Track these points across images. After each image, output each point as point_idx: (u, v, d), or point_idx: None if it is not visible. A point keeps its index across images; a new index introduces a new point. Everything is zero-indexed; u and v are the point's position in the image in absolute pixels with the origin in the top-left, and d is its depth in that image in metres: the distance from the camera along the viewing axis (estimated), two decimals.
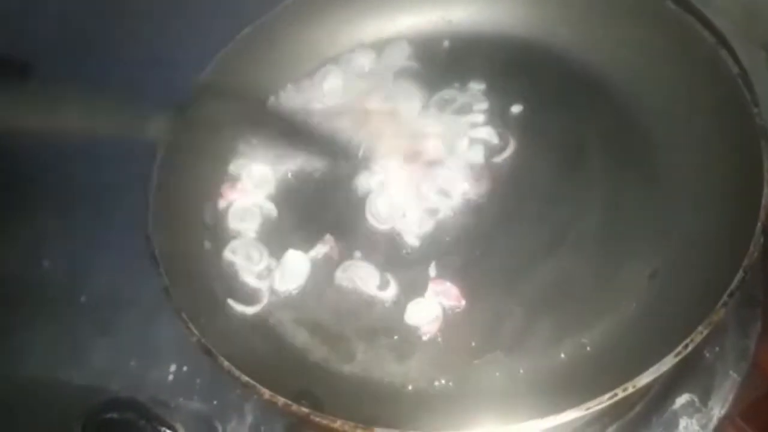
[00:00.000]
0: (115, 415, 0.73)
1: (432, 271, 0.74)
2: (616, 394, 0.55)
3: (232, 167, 0.84)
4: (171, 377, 0.77)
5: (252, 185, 0.83)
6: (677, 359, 0.56)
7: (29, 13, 1.07)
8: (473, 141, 0.82)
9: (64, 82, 1.00)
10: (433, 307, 0.71)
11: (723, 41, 0.72)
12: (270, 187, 0.83)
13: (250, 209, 0.81)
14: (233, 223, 0.80)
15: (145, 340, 0.80)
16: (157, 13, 1.02)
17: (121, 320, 0.82)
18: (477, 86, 0.86)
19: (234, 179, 0.83)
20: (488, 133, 0.82)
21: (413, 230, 0.77)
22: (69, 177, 0.94)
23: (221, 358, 0.61)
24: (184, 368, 0.77)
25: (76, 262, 0.87)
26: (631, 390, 0.55)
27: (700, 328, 0.57)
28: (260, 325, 0.73)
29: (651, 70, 0.79)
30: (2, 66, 0.94)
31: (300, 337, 0.72)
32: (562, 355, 0.67)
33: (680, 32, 0.75)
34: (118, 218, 0.86)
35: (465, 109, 0.85)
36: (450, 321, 0.71)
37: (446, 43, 0.91)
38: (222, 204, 0.82)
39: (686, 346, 0.56)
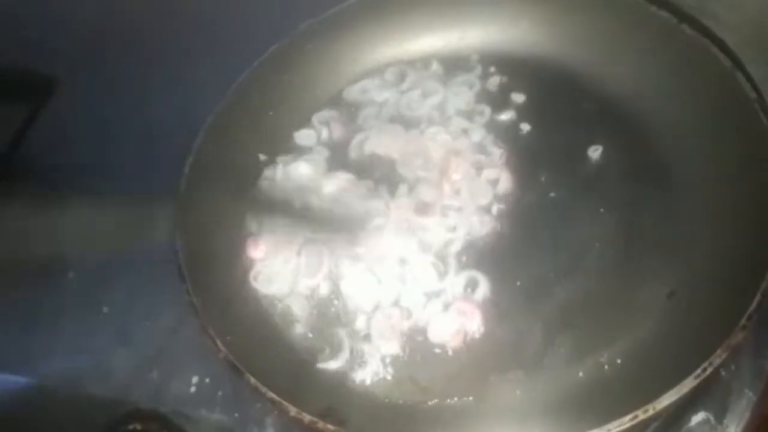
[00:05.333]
0: (137, 427, 0.74)
1: (456, 290, 0.75)
2: (636, 416, 0.57)
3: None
4: (193, 389, 0.77)
5: None
6: (697, 381, 0.57)
7: (55, 25, 1.08)
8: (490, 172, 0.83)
9: (90, 99, 1.02)
10: (454, 325, 0.72)
11: (739, 65, 0.73)
12: None
13: None
14: None
15: (167, 351, 0.80)
16: (183, 27, 1.02)
17: (143, 331, 0.82)
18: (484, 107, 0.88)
19: None
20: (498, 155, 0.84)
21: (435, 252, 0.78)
22: (93, 187, 0.95)
23: (248, 375, 0.62)
24: (207, 380, 0.78)
25: (99, 273, 0.87)
26: (651, 412, 0.57)
27: (719, 351, 0.58)
28: (284, 341, 0.75)
29: (667, 91, 0.80)
30: (25, 81, 0.95)
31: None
32: (581, 374, 0.68)
33: (697, 56, 0.76)
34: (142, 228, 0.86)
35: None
36: (471, 339, 0.72)
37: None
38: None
39: (705, 369, 0.57)
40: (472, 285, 0.75)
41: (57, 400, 0.80)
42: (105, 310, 0.85)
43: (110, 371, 0.80)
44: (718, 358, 0.57)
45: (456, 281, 0.76)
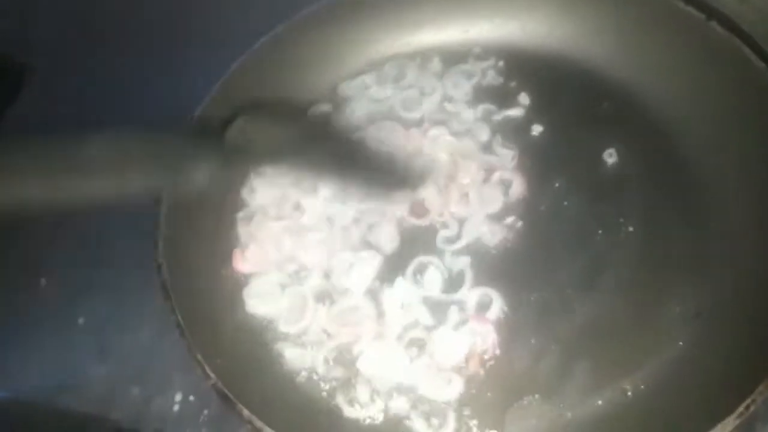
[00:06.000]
0: None
1: (469, 310, 0.70)
2: None
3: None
4: (176, 407, 0.73)
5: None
6: (739, 421, 0.52)
7: (29, 12, 1.02)
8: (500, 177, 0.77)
9: (64, 84, 0.96)
10: (467, 348, 0.67)
11: None
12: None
13: None
14: None
15: (148, 366, 0.75)
16: (168, 15, 0.97)
17: (122, 344, 0.77)
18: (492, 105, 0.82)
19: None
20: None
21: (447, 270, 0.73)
22: None
23: (240, 406, 0.57)
24: (191, 398, 0.73)
25: (74, 281, 0.82)
26: None
27: (761, 387, 0.53)
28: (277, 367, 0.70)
29: (691, 92, 0.75)
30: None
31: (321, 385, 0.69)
32: (600, 402, 0.64)
33: (726, 56, 0.71)
34: (120, 233, 0.81)
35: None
36: (487, 362, 0.68)
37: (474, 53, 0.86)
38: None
39: (748, 407, 0.53)
40: (484, 302, 0.71)
41: (32, 417, 0.75)
42: (81, 321, 0.79)
43: (88, 387, 0.76)
44: (760, 395, 0.53)
45: (467, 298, 0.71)
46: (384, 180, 0.76)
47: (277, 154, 0.69)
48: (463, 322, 0.69)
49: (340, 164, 0.73)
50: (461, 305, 0.70)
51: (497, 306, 0.69)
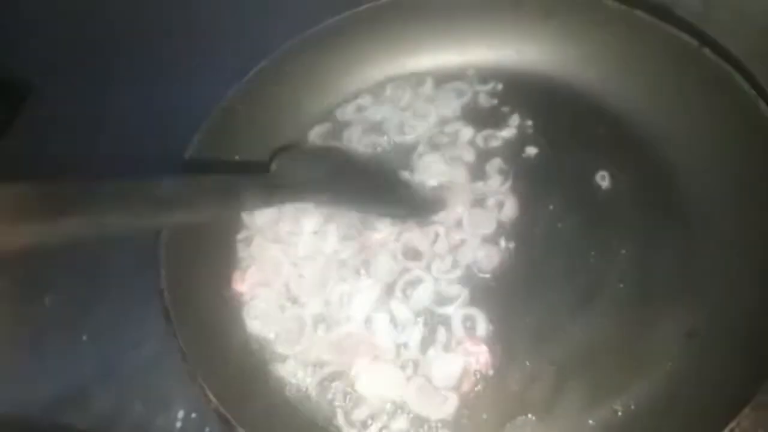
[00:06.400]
0: None
1: (460, 331, 0.71)
2: None
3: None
4: (179, 424, 0.74)
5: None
6: None
7: (30, 31, 1.03)
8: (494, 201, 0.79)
9: (65, 104, 0.97)
10: (461, 368, 0.69)
11: (762, 93, 0.70)
12: None
13: None
14: None
15: (151, 383, 0.76)
16: (168, 36, 0.97)
17: (126, 362, 0.78)
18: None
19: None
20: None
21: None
22: None
23: (240, 429, 0.58)
24: (193, 415, 0.74)
25: (78, 299, 0.83)
26: None
27: (746, 410, 0.54)
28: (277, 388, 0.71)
29: (683, 117, 0.76)
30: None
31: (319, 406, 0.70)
32: (591, 422, 0.65)
33: (717, 82, 0.72)
34: (124, 253, 0.82)
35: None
36: (480, 382, 0.69)
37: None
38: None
39: (733, 430, 0.54)
40: (471, 322, 0.72)
41: None
42: (84, 337, 0.81)
43: (92, 403, 0.76)
44: (746, 418, 0.54)
45: (456, 318, 0.72)
46: (405, 208, 0.79)
47: (311, 189, 0.74)
48: (457, 342, 0.70)
49: (364, 196, 0.78)
50: (448, 325, 0.71)
51: (483, 326, 0.71)
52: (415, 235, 0.76)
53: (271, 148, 0.80)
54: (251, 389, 0.69)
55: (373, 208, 0.78)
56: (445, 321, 0.72)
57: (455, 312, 0.72)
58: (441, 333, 0.72)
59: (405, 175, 0.81)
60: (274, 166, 0.76)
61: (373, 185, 0.80)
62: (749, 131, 0.70)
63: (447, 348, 0.70)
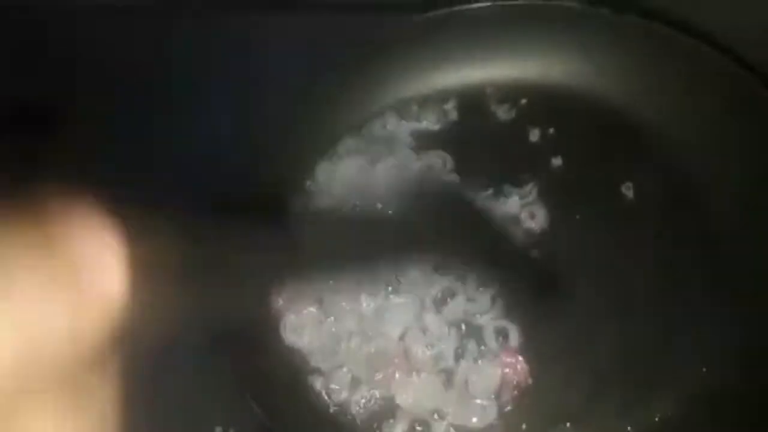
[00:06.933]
0: None
1: (494, 341, 0.73)
2: None
3: None
4: None
5: None
6: None
7: (57, 52, 1.03)
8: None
9: (96, 134, 0.98)
10: (499, 378, 0.70)
11: None
12: None
13: None
14: None
15: (187, 399, 0.76)
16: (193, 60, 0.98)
17: (161, 378, 0.77)
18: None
19: None
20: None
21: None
22: None
23: None
24: (231, 431, 0.74)
25: None
26: None
27: None
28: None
29: (707, 127, 0.77)
30: (22, 115, 0.90)
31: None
32: (629, 428, 0.66)
33: (739, 92, 0.74)
34: None
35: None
36: (518, 392, 0.70)
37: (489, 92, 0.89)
38: None
39: None
40: (504, 332, 0.73)
41: None
42: None
43: (126, 421, 0.76)
44: None
45: (489, 329, 0.73)
46: None
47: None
48: (492, 353, 0.71)
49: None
50: (482, 337, 0.73)
51: (515, 336, 0.72)
52: None
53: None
54: (291, 403, 0.70)
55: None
56: (479, 332, 0.74)
57: (488, 323, 0.74)
58: (475, 344, 0.73)
59: None
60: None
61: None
62: None
63: (483, 359, 0.71)
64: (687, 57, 0.77)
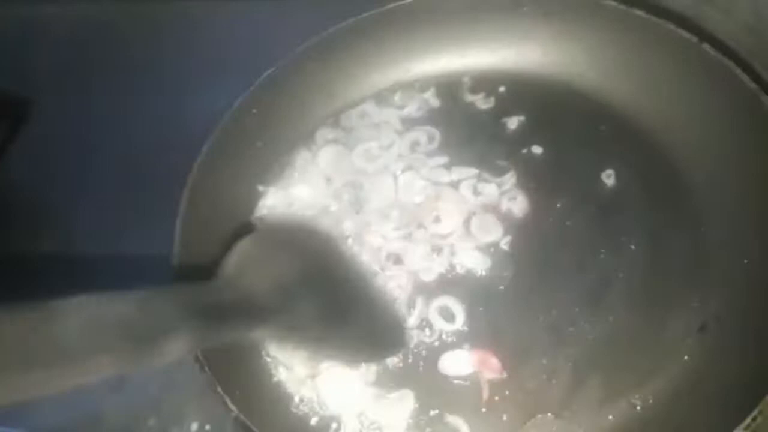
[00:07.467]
0: None
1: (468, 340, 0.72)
2: None
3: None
4: None
5: None
6: None
7: (31, 44, 1.02)
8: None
9: (69, 122, 0.97)
10: (473, 375, 0.69)
11: (765, 87, 0.70)
12: None
13: None
14: None
15: (165, 396, 0.76)
16: (172, 50, 0.97)
17: (139, 374, 0.77)
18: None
19: None
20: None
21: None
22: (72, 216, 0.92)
23: None
24: (207, 427, 0.74)
25: None
26: None
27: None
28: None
29: (685, 113, 0.77)
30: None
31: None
32: (610, 417, 0.65)
33: (719, 77, 0.73)
34: (139, 271, 0.81)
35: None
36: (496, 385, 0.69)
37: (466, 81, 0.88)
38: None
39: (755, 418, 0.54)
40: (477, 323, 0.73)
41: None
42: None
43: (105, 418, 0.76)
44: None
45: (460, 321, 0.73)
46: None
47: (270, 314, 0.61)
48: (464, 348, 0.71)
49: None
50: (455, 330, 0.73)
51: (492, 327, 0.71)
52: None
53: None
54: (265, 398, 0.70)
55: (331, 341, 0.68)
56: (451, 326, 0.73)
57: (460, 315, 0.73)
58: (444, 338, 0.73)
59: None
60: (222, 273, 0.62)
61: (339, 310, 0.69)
62: (752, 125, 0.71)
63: (456, 354, 0.71)
64: (666, 42, 0.76)
